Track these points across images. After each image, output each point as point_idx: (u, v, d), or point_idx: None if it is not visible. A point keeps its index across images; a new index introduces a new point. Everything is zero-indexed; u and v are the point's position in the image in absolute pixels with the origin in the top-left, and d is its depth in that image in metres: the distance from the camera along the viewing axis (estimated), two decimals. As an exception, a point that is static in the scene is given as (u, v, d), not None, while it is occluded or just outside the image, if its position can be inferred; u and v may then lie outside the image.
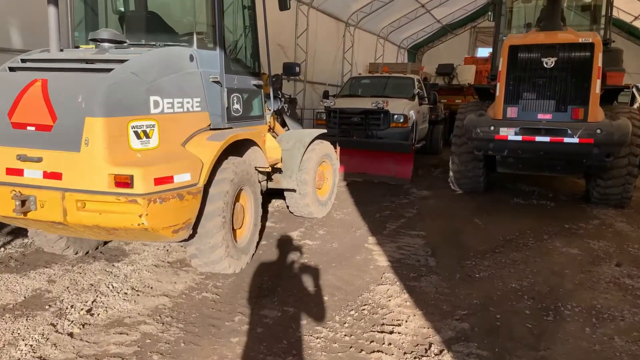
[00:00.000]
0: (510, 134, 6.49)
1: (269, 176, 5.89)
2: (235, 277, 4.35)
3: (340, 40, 14.49)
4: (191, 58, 4.08)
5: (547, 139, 6.32)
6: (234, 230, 4.45)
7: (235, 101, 4.71)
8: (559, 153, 6.43)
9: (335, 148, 8.08)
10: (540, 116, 6.48)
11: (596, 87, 6.23)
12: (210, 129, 4.33)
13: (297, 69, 5.77)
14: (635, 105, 12.62)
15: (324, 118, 10.92)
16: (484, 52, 23.39)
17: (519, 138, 6.45)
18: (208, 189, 4.01)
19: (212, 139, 4.05)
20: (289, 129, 6.82)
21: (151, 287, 4.08)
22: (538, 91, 6.50)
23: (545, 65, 6.42)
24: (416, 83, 12.06)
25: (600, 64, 6.23)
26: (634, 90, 13.25)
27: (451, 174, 8.32)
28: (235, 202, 4.41)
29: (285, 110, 6.59)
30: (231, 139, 4.18)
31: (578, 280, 4.53)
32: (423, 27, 22.56)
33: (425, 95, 12.33)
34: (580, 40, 6.34)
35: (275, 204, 7.18)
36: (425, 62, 24.84)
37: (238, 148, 4.75)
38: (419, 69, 16.47)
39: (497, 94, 6.75)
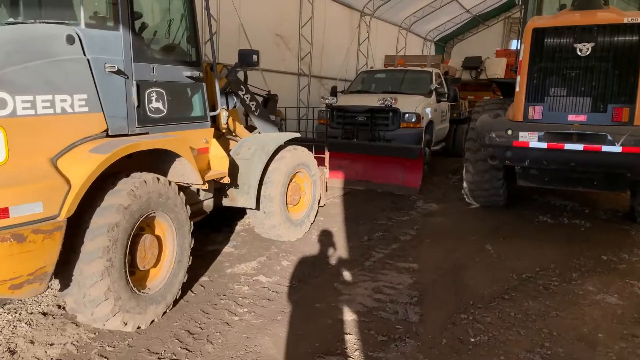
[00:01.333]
0: (532, 140, 5.13)
1: (222, 191, 4.76)
2: (137, 337, 3.23)
3: (355, 32, 13.21)
4: (69, 40, 2.97)
5: (580, 146, 4.94)
6: (140, 272, 3.34)
7: (154, 98, 3.59)
8: (596, 165, 5.05)
9: (323, 153, 6.92)
10: (571, 117, 5.10)
11: (645, 77, 4.81)
12: (108, 136, 3.23)
13: (255, 57, 4.61)
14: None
15: (327, 117, 9.70)
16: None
17: (544, 145, 5.09)
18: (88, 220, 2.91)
19: (96, 151, 2.94)
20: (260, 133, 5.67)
21: (13, 353, 3.00)
22: (569, 86, 5.11)
23: (579, 53, 5.03)
24: (434, 77, 10.68)
25: (650, 50, 4.80)
26: None
27: (465, 184, 6.98)
28: (142, 235, 3.30)
29: (253, 109, 5.43)
30: (124, 151, 3.04)
31: (616, 351, 3.21)
32: (451, 18, 20.95)
33: (446, 92, 10.95)
34: (626, 21, 4.90)
35: (247, 220, 6.05)
36: (455, 55, 23.19)
37: (160, 160, 3.63)
38: (445, 62, 15.04)
39: (517, 89, 5.39)
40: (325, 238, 5.50)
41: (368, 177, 8.33)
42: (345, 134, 9.28)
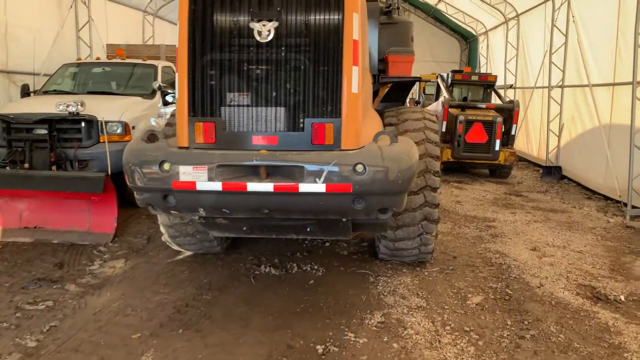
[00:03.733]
0: (200, 178, 3.13)
1: None
2: None
3: (68, 12, 10.11)
4: None
5: (269, 186, 3.09)
6: None
7: None
8: (297, 211, 3.29)
9: None
10: (257, 140, 3.23)
11: (352, 79, 3.17)
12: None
13: None
14: (440, 100, 10.61)
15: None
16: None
17: (218, 186, 3.12)
18: None
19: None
20: None
21: None
22: (253, 90, 3.23)
23: (259, 38, 3.17)
24: (160, 73, 8.29)
25: (357, 36, 3.16)
26: (439, 81, 11.32)
27: (162, 229, 4.80)
28: None
29: None
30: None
31: None
32: None
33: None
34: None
35: None
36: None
37: None
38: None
39: (177, 95, 3.32)
40: None
41: (39, 223, 5.60)
42: (12, 156, 6.30)
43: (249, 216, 3.43)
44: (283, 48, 3.17)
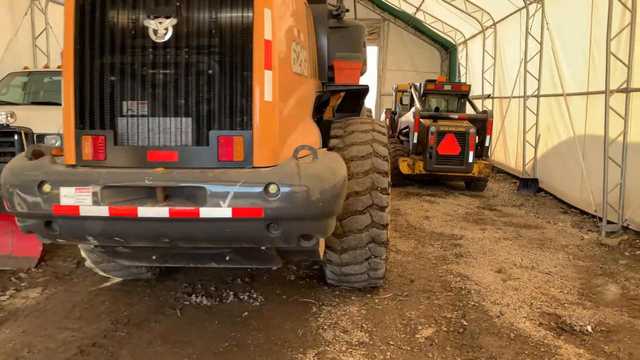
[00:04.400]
0: (84, 202, 2.65)
1: None
2: None
3: (21, 20, 9.52)
4: None
5: (164, 212, 2.62)
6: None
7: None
8: (200, 239, 2.81)
9: None
10: (154, 156, 2.76)
11: (265, 86, 2.71)
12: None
13: None
14: (412, 110, 10.22)
15: None
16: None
17: (104, 212, 2.64)
18: None
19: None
20: None
21: None
22: (148, 98, 2.76)
23: (155, 38, 2.71)
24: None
25: (269, 35, 2.71)
26: (412, 90, 10.94)
27: (83, 253, 4.30)
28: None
29: None
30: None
31: None
32: None
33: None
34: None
35: None
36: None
37: None
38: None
39: (63, 105, 2.84)
40: None
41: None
42: None
43: (149, 245, 2.94)
44: (183, 49, 2.72)
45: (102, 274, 4.56)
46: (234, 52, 2.71)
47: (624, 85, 6.47)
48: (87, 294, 4.38)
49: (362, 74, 5.39)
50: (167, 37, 2.70)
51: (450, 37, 17.18)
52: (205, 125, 2.73)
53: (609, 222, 6.67)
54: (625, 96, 6.49)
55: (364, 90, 4.62)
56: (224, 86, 2.71)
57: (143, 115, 2.75)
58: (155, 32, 2.70)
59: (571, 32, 8.37)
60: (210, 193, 2.60)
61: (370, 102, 23.91)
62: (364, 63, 5.28)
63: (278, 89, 2.84)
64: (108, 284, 4.61)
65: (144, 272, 4.50)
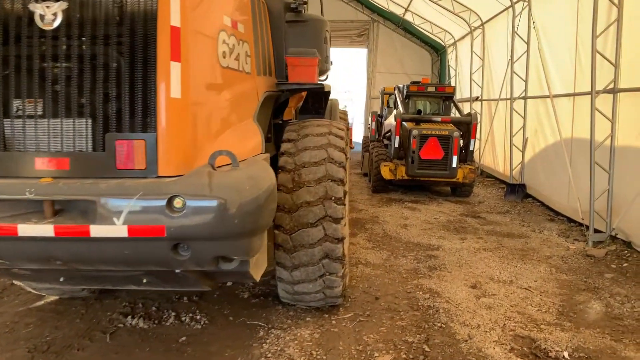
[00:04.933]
0: (-47, 218, 2.22)
1: None
2: None
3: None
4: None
5: (48, 230, 2.20)
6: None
7: None
8: (94, 261, 2.39)
9: None
10: (41, 164, 2.35)
11: (172, 80, 2.30)
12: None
13: None
14: (394, 113, 9.82)
15: None
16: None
17: (-20, 230, 2.22)
18: None
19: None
20: None
21: None
22: (35, 95, 2.35)
23: (41, 24, 2.30)
24: None
25: (177, 21, 2.30)
26: (396, 92, 10.54)
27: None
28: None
29: None
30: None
31: None
32: None
33: None
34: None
35: None
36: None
37: None
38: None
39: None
40: None
41: None
42: None
43: (41, 267, 2.52)
44: (75, 38, 2.30)
45: (33, 291, 4.14)
46: (135, 41, 2.31)
47: (611, 86, 6.08)
48: (14, 315, 3.95)
49: (323, 72, 5.01)
50: (55, 24, 2.29)
51: (440, 39, 16.81)
52: (101, 127, 2.31)
53: (596, 231, 6.26)
54: (613, 97, 6.10)
55: (320, 89, 4.20)
56: (123, 81, 2.31)
57: (30, 116, 2.34)
58: (42, 17, 2.29)
59: (557, 30, 7.99)
60: (101, 208, 2.19)
61: (360, 105, 23.55)
62: (325, 60, 4.88)
63: (191, 85, 2.43)
64: (41, 302, 4.19)
65: (79, 290, 4.08)
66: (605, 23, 6.14)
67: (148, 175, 2.32)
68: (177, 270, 2.58)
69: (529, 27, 9.10)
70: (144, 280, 2.80)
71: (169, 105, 2.31)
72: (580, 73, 7.06)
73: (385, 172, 9.11)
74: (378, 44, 18.93)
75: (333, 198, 3.62)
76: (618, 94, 6.04)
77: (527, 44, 9.20)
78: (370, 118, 14.67)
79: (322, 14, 5.59)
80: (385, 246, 6.07)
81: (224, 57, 2.88)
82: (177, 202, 2.21)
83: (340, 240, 3.65)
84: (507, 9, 10.28)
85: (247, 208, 2.27)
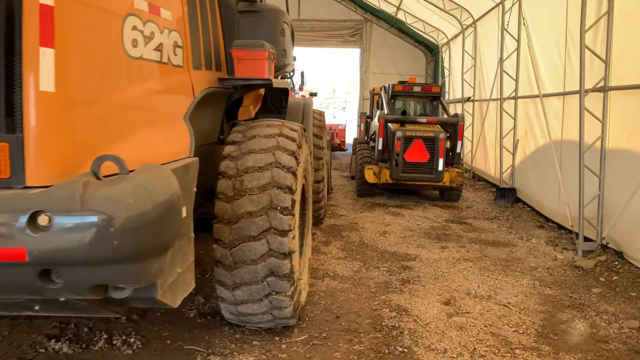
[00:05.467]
0: None
1: None
2: None
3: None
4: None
5: None
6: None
7: None
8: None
9: None
10: None
11: (40, 70, 1.89)
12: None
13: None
14: (377, 114, 9.39)
15: None
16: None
17: None
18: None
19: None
20: None
21: None
22: None
23: None
24: None
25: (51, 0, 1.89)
26: (382, 93, 10.13)
27: None
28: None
29: None
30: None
31: None
32: None
33: None
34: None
35: None
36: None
37: None
38: None
39: None
40: None
41: None
42: None
43: None
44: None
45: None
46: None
47: (601, 84, 5.65)
48: None
49: (280, 67, 4.59)
50: None
51: (433, 38, 16.40)
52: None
53: (586, 240, 5.84)
54: (603, 96, 5.67)
55: (269, 85, 3.79)
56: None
57: None
58: None
59: (547, 25, 7.57)
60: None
61: (353, 106, 23.06)
62: (283, 55, 4.47)
63: (72, 77, 2.02)
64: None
65: None
66: (595, 16, 5.73)
67: (13, 185, 1.92)
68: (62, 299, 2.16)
69: (519, 23, 8.68)
70: (36, 307, 2.39)
71: (38, 100, 1.90)
72: (570, 71, 6.64)
73: (369, 176, 8.70)
74: (371, 44, 18.53)
75: (279, 207, 3.21)
76: (609, 92, 5.62)
77: (518, 41, 8.79)
78: (359, 118, 14.26)
79: (287, 9, 5.20)
80: (359, 256, 5.65)
81: (134, 46, 2.47)
82: (42, 219, 1.79)
83: (288, 255, 3.24)
84: (497, 5, 9.87)
85: (131, 225, 1.85)
